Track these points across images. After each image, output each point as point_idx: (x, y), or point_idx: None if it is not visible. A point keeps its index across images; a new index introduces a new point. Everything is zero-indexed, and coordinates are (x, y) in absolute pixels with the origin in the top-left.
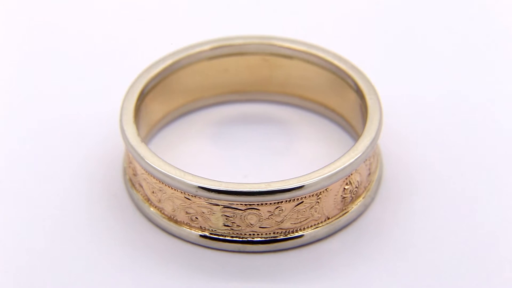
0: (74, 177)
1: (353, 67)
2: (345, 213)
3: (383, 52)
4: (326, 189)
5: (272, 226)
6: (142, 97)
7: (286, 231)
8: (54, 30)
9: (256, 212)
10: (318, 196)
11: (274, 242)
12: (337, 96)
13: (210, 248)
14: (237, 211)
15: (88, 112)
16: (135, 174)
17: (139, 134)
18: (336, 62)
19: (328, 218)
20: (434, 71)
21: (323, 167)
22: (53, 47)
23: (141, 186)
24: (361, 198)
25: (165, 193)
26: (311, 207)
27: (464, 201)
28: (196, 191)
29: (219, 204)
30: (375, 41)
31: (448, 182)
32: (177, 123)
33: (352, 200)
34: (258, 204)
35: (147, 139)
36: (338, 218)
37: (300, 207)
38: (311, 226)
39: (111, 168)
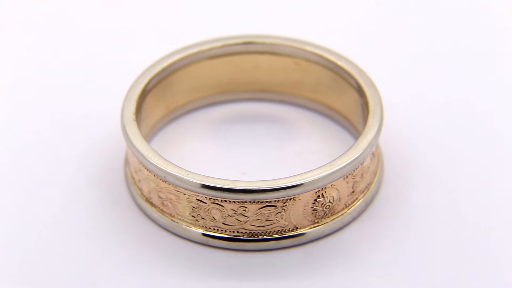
0: (74, 177)
1: (357, 68)
2: (317, 226)
3: (384, 52)
4: (293, 198)
5: (236, 225)
6: (145, 93)
7: (250, 232)
8: (55, 30)
9: (220, 208)
10: (284, 202)
11: (237, 241)
12: (340, 96)
13: (177, 236)
14: (202, 203)
15: (89, 111)
16: (127, 154)
17: (135, 113)
18: (341, 63)
19: (297, 228)
20: (434, 71)
21: (292, 175)
22: (54, 47)
23: (129, 163)
24: (339, 214)
25: (143, 174)
26: (277, 213)
27: (464, 201)
28: (165, 176)
29: (185, 193)
30: (376, 42)
31: (448, 182)
32: (180, 122)
33: (326, 214)
34: (221, 200)
35: (149, 136)
36: (307, 229)
37: (264, 210)
38: (277, 232)
39: (112, 168)
